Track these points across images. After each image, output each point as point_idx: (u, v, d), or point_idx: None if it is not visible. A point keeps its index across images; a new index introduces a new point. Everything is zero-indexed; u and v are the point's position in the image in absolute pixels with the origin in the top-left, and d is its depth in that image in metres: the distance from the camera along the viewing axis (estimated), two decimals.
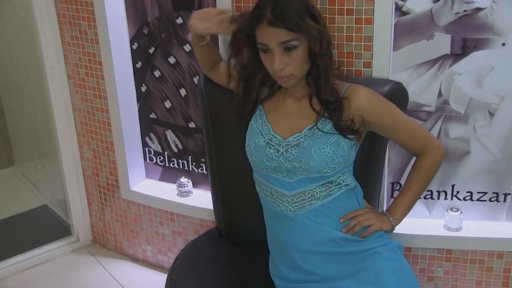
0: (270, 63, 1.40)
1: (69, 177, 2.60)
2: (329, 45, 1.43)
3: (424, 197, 1.96)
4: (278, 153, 1.47)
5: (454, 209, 1.92)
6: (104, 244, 2.71)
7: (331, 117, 1.44)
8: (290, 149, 1.45)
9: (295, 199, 1.48)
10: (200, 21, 1.59)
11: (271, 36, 1.35)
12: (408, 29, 1.75)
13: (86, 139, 2.52)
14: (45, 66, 2.40)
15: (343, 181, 1.49)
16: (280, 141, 1.48)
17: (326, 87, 1.42)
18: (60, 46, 2.40)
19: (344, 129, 1.43)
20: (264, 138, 1.50)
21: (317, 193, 1.47)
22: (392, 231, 1.58)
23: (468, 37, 1.72)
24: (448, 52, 1.75)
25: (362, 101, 1.45)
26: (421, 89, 1.82)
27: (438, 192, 1.95)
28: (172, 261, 1.83)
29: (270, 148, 1.48)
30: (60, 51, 2.41)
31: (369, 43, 1.74)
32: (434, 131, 1.85)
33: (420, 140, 1.53)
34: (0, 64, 3.30)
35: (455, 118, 1.83)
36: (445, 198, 1.95)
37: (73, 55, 2.38)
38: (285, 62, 1.38)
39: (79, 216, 2.69)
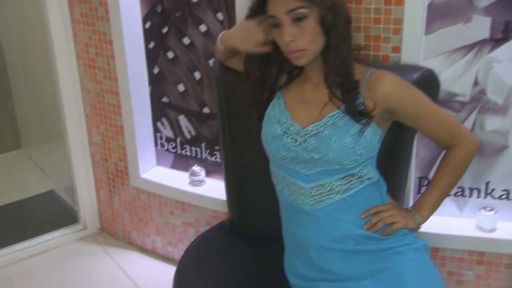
0: (280, 36, 1.40)
1: (77, 162, 2.62)
2: (347, 22, 1.42)
3: (455, 194, 1.93)
4: (296, 143, 1.45)
5: (488, 208, 1.88)
6: (112, 233, 2.73)
7: (343, 99, 1.42)
8: (309, 139, 1.43)
9: (313, 193, 1.46)
10: (242, 41, 1.54)
11: (278, 5, 1.36)
12: (443, 11, 1.71)
13: (95, 123, 2.53)
14: (53, 45, 2.41)
15: (365, 174, 1.47)
16: (298, 130, 1.46)
17: (338, 65, 1.40)
18: (69, 24, 2.41)
19: (356, 112, 1.41)
20: (281, 127, 1.49)
21: (336, 187, 1.45)
22: (417, 230, 1.55)
23: None
24: (487, 36, 1.71)
25: (387, 88, 1.42)
26: (455, 77, 1.78)
27: (471, 189, 1.91)
28: (182, 253, 1.83)
29: (287, 137, 1.47)
30: (69, 29, 2.42)
31: (398, 26, 1.71)
32: (468, 123, 1.82)
33: (451, 132, 1.50)
34: (8, 44, 3.34)
35: (492, 109, 1.79)
36: (478, 196, 1.91)
37: (82, 34, 2.39)
38: (296, 34, 1.37)
39: (87, 203, 2.71)
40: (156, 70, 2.31)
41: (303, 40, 1.38)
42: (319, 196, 1.46)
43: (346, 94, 1.42)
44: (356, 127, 1.41)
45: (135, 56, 2.27)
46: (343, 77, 1.41)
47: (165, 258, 2.55)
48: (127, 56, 2.25)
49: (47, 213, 2.96)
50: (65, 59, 2.44)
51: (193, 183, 2.31)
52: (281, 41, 1.40)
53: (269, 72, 1.53)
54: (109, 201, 2.66)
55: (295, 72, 1.54)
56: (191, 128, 2.31)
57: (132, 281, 2.41)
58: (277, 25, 1.40)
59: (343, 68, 1.42)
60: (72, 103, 2.51)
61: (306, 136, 1.44)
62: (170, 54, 2.24)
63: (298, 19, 1.36)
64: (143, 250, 2.62)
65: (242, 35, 1.53)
